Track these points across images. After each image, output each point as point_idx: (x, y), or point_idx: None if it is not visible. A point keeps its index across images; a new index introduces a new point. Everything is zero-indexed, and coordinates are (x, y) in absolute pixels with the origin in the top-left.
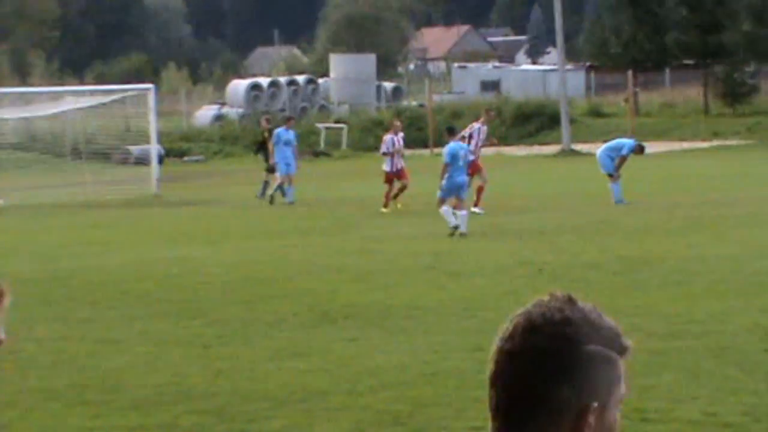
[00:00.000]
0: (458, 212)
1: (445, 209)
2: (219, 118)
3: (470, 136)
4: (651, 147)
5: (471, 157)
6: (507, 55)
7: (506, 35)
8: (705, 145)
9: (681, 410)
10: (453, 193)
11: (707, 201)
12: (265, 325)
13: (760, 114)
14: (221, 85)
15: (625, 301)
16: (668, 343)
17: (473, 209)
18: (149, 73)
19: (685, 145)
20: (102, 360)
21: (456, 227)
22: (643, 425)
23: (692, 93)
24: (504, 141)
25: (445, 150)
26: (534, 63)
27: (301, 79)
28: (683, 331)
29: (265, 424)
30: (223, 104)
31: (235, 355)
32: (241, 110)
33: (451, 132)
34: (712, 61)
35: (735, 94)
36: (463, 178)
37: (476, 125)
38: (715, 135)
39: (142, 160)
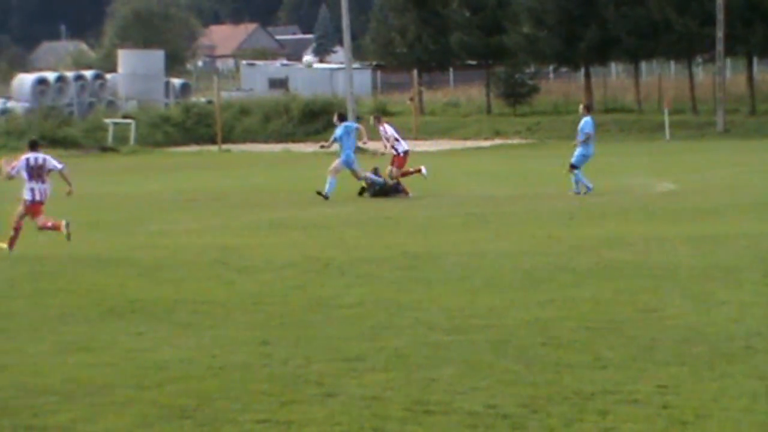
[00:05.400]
0: None
1: None
2: (4, 112)
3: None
4: (435, 145)
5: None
6: (295, 53)
7: (294, 34)
8: (487, 143)
9: (462, 402)
10: None
11: (488, 198)
12: (51, 320)
13: (540, 114)
14: (6, 80)
15: (408, 295)
16: (450, 336)
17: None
18: None
19: (468, 143)
20: None
21: None
22: (425, 417)
23: (475, 93)
24: (292, 137)
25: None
26: (321, 61)
27: (88, 74)
28: (464, 325)
29: (50, 419)
30: (8, 98)
31: (20, 350)
32: (26, 105)
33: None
34: (494, 62)
35: (516, 95)
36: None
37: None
38: (497, 134)
39: None
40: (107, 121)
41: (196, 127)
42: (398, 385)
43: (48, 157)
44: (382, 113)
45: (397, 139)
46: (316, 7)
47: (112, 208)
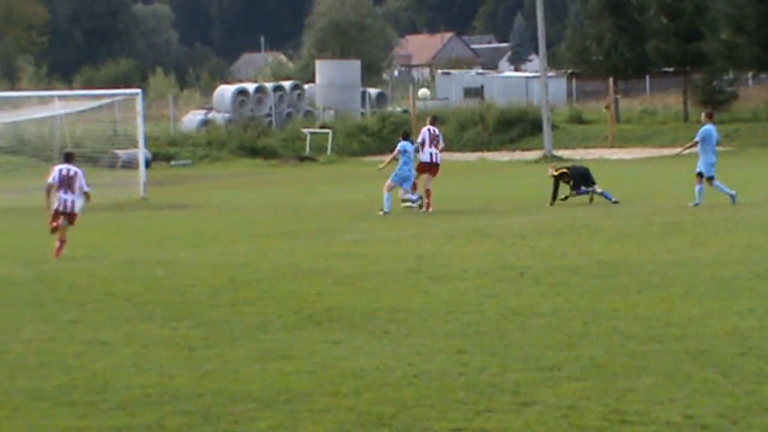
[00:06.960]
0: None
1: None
2: (206, 123)
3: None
4: (631, 153)
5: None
6: (490, 62)
7: (489, 42)
8: (685, 152)
9: (660, 412)
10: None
11: (686, 206)
12: (251, 328)
13: (739, 121)
14: (208, 91)
15: (604, 304)
16: (647, 346)
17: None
18: (137, 78)
19: (665, 151)
20: (89, 361)
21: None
22: (622, 427)
23: (672, 100)
24: (487, 146)
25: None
26: (517, 70)
27: (287, 84)
28: (662, 335)
29: (250, 425)
30: (209, 109)
31: (221, 357)
32: (227, 115)
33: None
34: (692, 69)
35: (714, 102)
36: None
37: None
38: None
39: (130, 164)
40: (305, 130)
41: (392, 137)
42: (595, 395)
43: (80, 173)
44: (440, 119)
45: (423, 145)
46: (511, 15)
47: (309, 217)
